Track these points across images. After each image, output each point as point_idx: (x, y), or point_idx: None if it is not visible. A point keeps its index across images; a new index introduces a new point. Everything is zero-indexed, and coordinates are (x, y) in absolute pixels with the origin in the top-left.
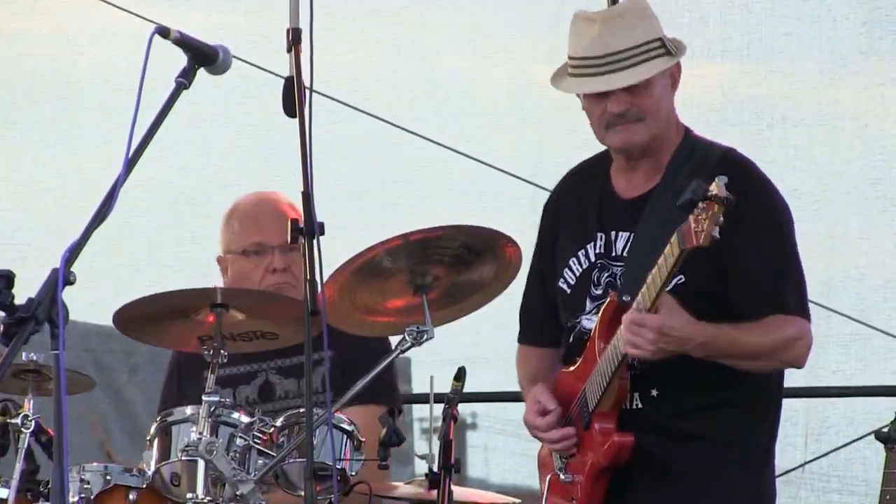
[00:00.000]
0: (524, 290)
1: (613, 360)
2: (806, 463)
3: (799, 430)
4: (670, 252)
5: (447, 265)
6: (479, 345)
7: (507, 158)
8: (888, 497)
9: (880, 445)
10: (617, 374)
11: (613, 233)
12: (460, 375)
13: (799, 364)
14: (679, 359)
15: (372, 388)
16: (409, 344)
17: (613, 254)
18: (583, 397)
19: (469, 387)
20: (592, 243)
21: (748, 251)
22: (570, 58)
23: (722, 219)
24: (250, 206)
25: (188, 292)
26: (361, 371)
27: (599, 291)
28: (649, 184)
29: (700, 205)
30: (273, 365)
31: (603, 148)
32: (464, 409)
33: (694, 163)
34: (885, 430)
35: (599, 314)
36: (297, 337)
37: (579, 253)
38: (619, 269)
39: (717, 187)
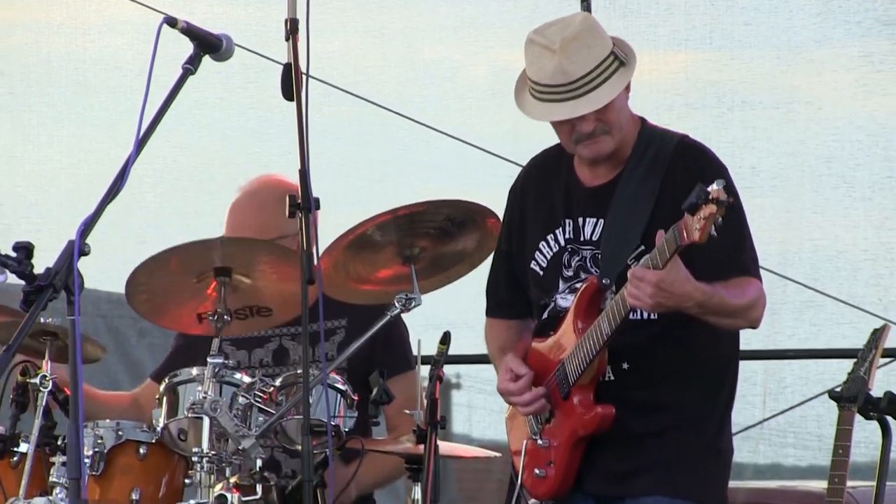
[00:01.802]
0: (491, 268)
1: (600, 335)
2: (764, 420)
3: (758, 389)
4: (664, 248)
5: (433, 237)
6: (463, 311)
7: (487, 138)
8: (840, 451)
9: (833, 404)
10: (602, 351)
11: (581, 219)
12: (446, 339)
13: (757, 323)
14: (646, 335)
15: (405, 357)
16: (398, 310)
17: (582, 238)
18: (561, 371)
19: (453, 349)
20: (561, 228)
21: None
22: (532, 81)
23: (721, 219)
24: (236, 207)
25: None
26: (375, 337)
27: (570, 273)
28: (611, 173)
29: (702, 206)
30: (287, 331)
31: None
32: (449, 370)
33: (653, 151)
34: (838, 389)
35: (578, 295)
36: (292, 312)
37: (548, 237)
38: (589, 252)
39: (717, 192)
